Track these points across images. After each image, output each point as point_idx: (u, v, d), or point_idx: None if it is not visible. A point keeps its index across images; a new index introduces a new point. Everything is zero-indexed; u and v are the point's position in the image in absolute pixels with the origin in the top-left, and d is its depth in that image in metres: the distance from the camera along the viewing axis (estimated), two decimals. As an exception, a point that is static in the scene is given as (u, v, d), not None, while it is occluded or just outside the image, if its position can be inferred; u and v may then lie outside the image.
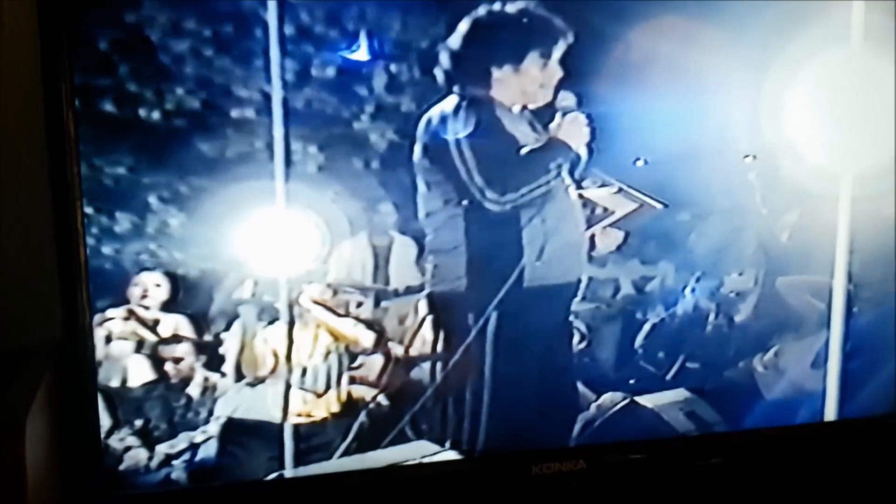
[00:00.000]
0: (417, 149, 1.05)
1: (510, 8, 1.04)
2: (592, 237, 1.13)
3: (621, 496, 1.18)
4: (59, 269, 0.96)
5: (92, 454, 1.00)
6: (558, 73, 1.07)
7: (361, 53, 1.00)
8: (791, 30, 1.12)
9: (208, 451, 1.04)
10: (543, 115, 1.08)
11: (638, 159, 1.11)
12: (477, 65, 1.05)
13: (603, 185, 1.11)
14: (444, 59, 1.03)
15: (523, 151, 1.09)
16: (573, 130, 1.08)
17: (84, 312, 0.97)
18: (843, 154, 1.18)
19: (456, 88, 1.05)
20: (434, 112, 1.05)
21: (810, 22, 1.13)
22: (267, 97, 0.99)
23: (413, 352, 1.10)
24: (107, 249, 0.98)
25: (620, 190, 1.11)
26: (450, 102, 1.05)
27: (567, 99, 1.07)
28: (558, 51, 1.06)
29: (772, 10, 1.11)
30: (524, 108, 1.08)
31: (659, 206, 1.13)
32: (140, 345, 1.01)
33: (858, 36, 1.15)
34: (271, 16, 0.97)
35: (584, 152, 1.10)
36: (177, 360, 1.02)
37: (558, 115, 1.08)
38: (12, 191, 1.08)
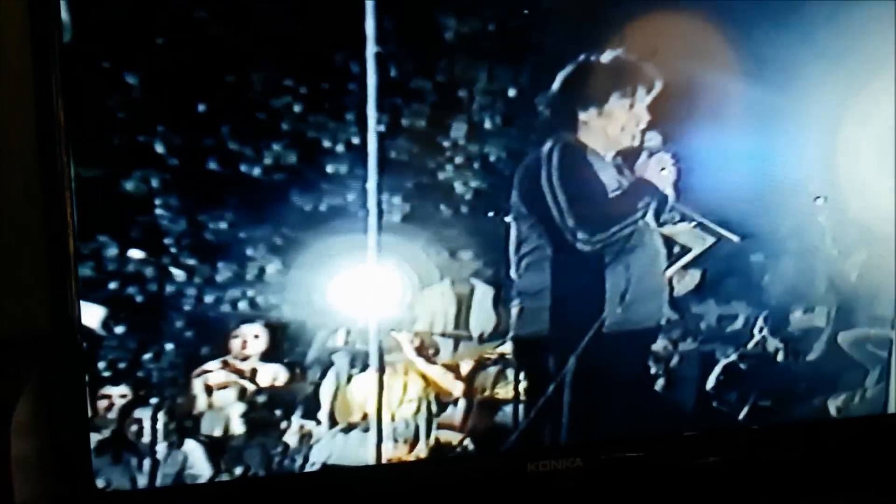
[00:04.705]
0: (514, 194, 1.07)
1: (603, 58, 1.07)
2: (671, 279, 1.14)
3: (617, 494, 1.17)
4: (49, 261, 0.95)
5: (79, 447, 0.98)
6: (645, 117, 1.09)
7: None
8: (864, 75, 1.16)
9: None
10: (630, 156, 1.10)
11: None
12: (568, 110, 1.07)
13: (681, 221, 1.13)
14: (541, 107, 1.06)
15: (612, 193, 1.10)
16: (659, 170, 1.10)
17: (73, 305, 0.95)
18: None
19: (550, 134, 1.07)
20: (529, 158, 1.07)
21: (882, 66, 1.17)
22: (361, 149, 1.00)
23: (496, 396, 1.11)
24: (208, 299, 0.99)
25: (699, 224, 1.13)
26: (545, 148, 1.07)
27: (653, 139, 1.09)
28: (645, 95, 1.08)
29: (846, 58, 1.14)
30: (616, 153, 1.10)
31: (735, 238, 1.14)
32: (241, 394, 1.02)
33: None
34: (370, 67, 0.99)
35: (670, 192, 1.11)
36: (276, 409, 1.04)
37: (644, 155, 1.10)
38: (2, 182, 1.07)
